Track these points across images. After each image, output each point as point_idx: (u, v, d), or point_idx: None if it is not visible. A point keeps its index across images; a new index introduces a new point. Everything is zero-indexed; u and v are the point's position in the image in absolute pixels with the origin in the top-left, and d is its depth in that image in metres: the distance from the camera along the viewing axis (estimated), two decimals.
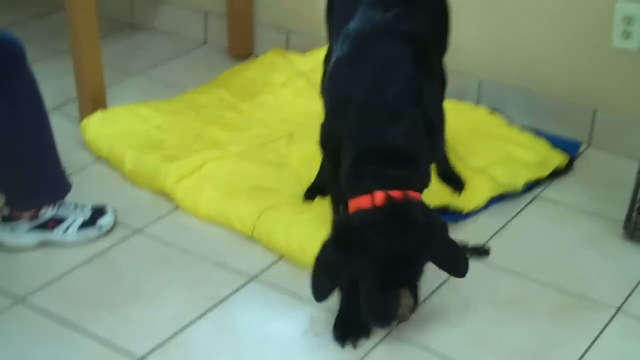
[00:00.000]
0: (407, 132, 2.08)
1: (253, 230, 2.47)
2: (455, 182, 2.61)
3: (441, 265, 2.11)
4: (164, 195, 2.65)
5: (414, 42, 2.20)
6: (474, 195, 2.60)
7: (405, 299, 2.13)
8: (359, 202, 2.04)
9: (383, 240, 2.00)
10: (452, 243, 2.14)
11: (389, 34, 2.20)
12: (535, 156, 2.76)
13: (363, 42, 2.20)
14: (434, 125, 2.19)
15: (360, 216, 2.03)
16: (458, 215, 2.55)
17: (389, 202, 2.02)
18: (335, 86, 2.22)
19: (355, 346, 2.14)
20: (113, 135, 2.83)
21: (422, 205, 2.08)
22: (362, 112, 2.11)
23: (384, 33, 2.20)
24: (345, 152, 2.12)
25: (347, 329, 2.15)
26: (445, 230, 2.12)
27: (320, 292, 2.08)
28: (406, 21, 2.23)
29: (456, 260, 2.14)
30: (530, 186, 2.68)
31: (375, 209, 2.02)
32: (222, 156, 2.72)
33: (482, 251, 2.43)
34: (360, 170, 2.07)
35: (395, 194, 2.02)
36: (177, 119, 2.95)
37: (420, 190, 2.11)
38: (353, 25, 2.23)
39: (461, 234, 2.47)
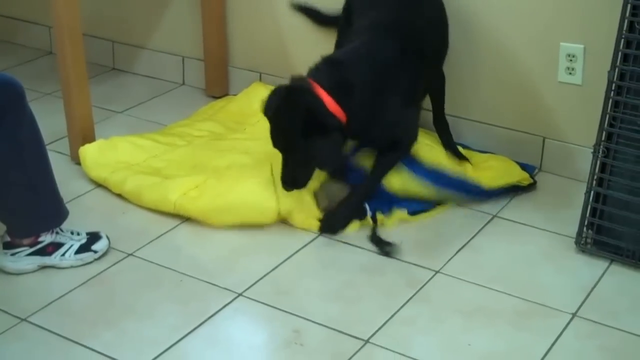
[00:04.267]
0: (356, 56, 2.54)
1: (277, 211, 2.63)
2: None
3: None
4: (164, 213, 2.68)
5: None
6: (493, 177, 2.77)
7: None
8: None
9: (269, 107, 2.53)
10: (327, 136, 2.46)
11: None
12: (507, 166, 2.88)
13: None
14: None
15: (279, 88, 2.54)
16: (479, 191, 2.72)
17: (292, 82, 2.50)
18: None
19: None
20: (114, 162, 2.85)
21: (314, 96, 2.44)
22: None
23: None
24: None
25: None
26: (318, 122, 2.44)
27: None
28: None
29: (320, 149, 2.48)
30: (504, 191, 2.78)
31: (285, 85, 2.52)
32: (222, 175, 2.74)
33: (386, 246, 2.52)
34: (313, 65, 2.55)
35: (307, 81, 2.47)
36: (173, 149, 2.97)
37: (341, 102, 2.46)
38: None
39: (431, 247, 2.54)
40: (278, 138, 2.54)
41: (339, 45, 2.89)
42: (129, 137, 3.01)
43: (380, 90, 2.57)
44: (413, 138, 2.68)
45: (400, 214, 2.68)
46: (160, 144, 3.00)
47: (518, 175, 2.84)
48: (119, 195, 2.81)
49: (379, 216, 2.65)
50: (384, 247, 2.54)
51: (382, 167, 2.66)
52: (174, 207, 2.67)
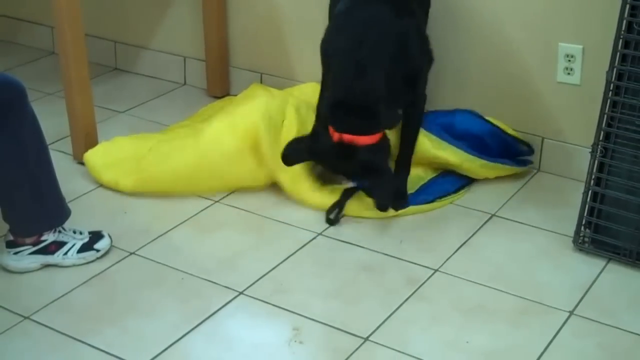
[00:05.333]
0: (370, 87, 2.53)
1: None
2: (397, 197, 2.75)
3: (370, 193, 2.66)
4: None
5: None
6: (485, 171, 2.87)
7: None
8: (330, 127, 2.58)
9: (331, 163, 2.66)
10: (381, 184, 2.61)
11: None
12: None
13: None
14: (417, 67, 2.67)
15: (326, 138, 2.59)
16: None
17: (339, 141, 2.55)
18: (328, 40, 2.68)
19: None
20: (121, 159, 2.89)
21: (365, 149, 2.54)
22: (339, 67, 2.59)
23: None
24: (327, 95, 2.65)
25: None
26: (379, 171, 2.59)
27: (291, 160, 2.69)
28: None
29: (380, 192, 2.63)
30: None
31: (331, 142, 2.56)
32: None
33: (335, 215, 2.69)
34: (331, 112, 2.58)
35: (346, 136, 2.53)
36: (178, 134, 3.03)
37: (369, 134, 2.55)
38: None
39: (430, 246, 2.57)
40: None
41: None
42: (131, 135, 3.05)
43: (398, 92, 2.64)
44: (425, 96, 2.79)
45: (417, 207, 2.75)
46: (162, 134, 3.06)
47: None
48: (122, 194, 2.84)
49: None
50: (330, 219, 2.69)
51: (413, 128, 2.76)
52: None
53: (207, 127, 2.87)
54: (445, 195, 2.81)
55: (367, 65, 2.54)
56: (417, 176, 2.86)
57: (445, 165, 2.87)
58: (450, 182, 2.87)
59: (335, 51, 2.64)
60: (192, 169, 2.79)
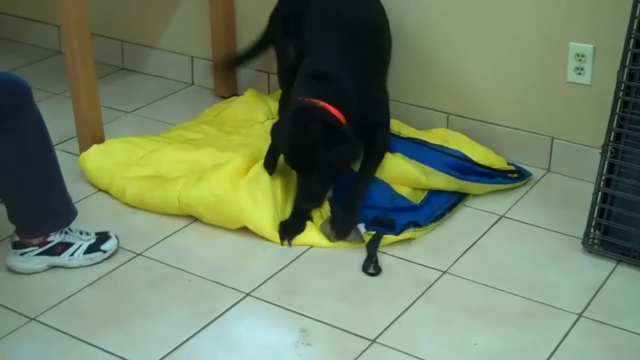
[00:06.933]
0: (328, 60, 2.71)
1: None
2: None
3: (335, 162, 2.61)
4: (173, 213, 2.75)
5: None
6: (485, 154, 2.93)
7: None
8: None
9: (283, 132, 2.62)
10: (350, 144, 2.60)
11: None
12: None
13: None
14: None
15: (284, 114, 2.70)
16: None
17: (297, 105, 2.61)
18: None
19: (290, 244, 2.61)
20: (112, 165, 2.90)
21: (322, 109, 2.57)
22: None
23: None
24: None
25: (286, 230, 2.63)
26: (341, 130, 2.59)
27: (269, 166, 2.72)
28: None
29: (346, 158, 2.65)
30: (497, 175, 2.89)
31: (290, 110, 2.64)
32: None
33: (374, 266, 2.52)
34: (300, 85, 2.70)
35: (308, 99, 2.59)
36: (170, 144, 3.03)
37: (329, 99, 2.60)
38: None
39: (438, 247, 2.59)
40: (299, 159, 2.61)
41: (285, 47, 3.05)
42: (124, 138, 3.07)
43: (364, 86, 2.74)
44: (389, 118, 2.90)
45: (410, 232, 2.65)
46: (156, 141, 3.05)
47: (499, 161, 2.95)
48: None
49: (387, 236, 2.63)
50: (370, 268, 2.53)
51: (374, 159, 2.78)
52: (178, 201, 2.72)
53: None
54: (452, 206, 2.79)
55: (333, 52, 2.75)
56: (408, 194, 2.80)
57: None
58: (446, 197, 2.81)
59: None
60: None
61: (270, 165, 2.74)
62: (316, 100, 2.61)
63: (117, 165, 2.91)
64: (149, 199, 2.78)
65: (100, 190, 2.92)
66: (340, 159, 2.62)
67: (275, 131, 2.70)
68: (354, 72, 2.73)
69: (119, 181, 2.85)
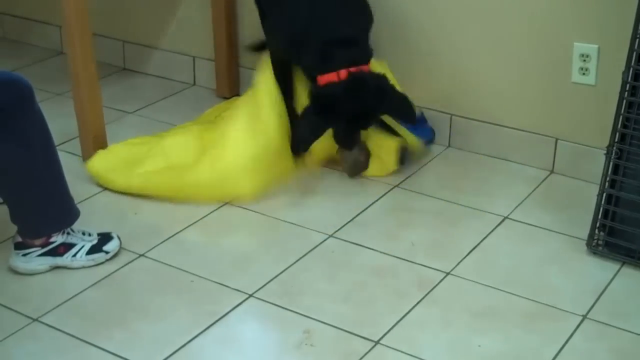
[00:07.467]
0: (348, 23, 2.81)
1: None
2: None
3: (395, 115, 2.89)
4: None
5: None
6: None
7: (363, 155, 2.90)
8: (328, 78, 2.74)
9: (347, 104, 2.72)
10: (402, 97, 2.83)
11: None
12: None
13: None
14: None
15: (331, 87, 2.73)
16: None
17: (350, 76, 2.72)
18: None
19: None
20: (124, 164, 2.93)
21: (372, 74, 2.77)
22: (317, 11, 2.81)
23: None
24: (308, 46, 2.79)
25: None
26: (393, 89, 2.81)
27: (304, 143, 2.81)
28: None
29: (404, 110, 2.85)
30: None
31: (340, 82, 2.72)
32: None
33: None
34: (325, 56, 2.75)
35: (353, 69, 2.72)
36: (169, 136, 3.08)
37: (368, 62, 2.80)
38: None
39: (442, 248, 2.59)
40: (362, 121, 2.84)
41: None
42: (127, 140, 3.09)
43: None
44: None
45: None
46: (160, 136, 3.10)
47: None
48: (131, 196, 2.88)
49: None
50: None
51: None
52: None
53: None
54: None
55: (342, 6, 2.83)
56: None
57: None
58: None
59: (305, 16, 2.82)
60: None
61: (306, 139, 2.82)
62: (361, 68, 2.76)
63: (128, 163, 2.93)
64: (165, 189, 2.85)
65: (103, 190, 2.93)
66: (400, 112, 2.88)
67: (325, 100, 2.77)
68: (363, 30, 2.90)
69: (137, 178, 2.88)
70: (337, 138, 2.86)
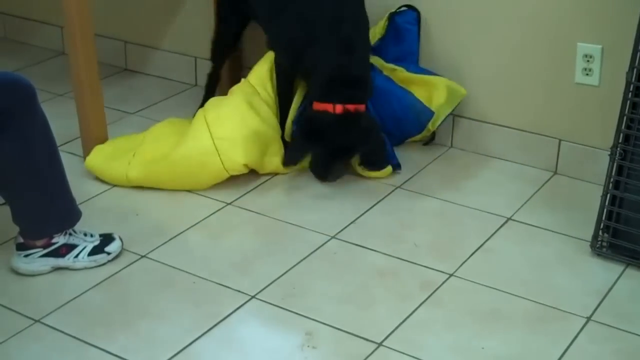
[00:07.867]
0: (357, 62, 2.87)
1: None
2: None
3: (367, 156, 2.93)
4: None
5: None
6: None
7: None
8: (324, 107, 2.83)
9: (334, 136, 2.82)
10: (380, 142, 2.94)
11: None
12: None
13: None
14: None
15: (324, 116, 2.82)
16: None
17: (345, 112, 2.81)
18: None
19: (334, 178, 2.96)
20: (117, 150, 2.98)
21: (365, 114, 2.85)
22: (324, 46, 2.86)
23: None
24: (315, 76, 2.90)
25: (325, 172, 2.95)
26: (378, 132, 2.91)
27: (292, 160, 2.95)
28: None
29: (377, 155, 2.95)
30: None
31: (334, 114, 2.81)
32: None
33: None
34: (327, 89, 2.84)
35: (349, 106, 2.81)
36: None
37: (366, 102, 2.87)
38: None
39: (445, 250, 2.59)
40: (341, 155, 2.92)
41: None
42: (123, 135, 3.14)
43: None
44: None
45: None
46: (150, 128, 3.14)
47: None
48: (132, 196, 2.89)
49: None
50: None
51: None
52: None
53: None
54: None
55: (352, 42, 2.87)
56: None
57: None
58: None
59: (309, 34, 2.87)
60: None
61: (294, 157, 2.95)
62: (356, 106, 2.83)
63: (124, 150, 2.97)
64: (163, 175, 2.90)
65: (105, 190, 2.93)
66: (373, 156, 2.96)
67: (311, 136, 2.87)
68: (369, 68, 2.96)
69: (135, 169, 2.91)
70: (314, 168, 2.94)
